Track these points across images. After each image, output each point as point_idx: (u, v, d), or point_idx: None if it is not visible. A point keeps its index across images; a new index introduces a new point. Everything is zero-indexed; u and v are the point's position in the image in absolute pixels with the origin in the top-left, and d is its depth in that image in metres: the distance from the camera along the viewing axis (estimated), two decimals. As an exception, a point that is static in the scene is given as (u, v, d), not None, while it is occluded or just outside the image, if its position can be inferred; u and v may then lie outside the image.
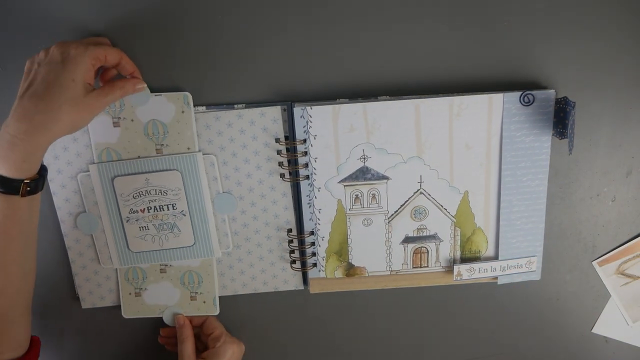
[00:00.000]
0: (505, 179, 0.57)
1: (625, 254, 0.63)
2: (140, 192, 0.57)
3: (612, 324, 0.66)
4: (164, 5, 0.53)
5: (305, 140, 0.56)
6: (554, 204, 0.60)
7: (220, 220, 0.59)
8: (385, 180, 0.57)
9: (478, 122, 0.55)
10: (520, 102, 0.55)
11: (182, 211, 0.57)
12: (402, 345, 0.66)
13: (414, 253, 0.60)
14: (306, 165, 0.57)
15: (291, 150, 0.56)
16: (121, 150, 0.56)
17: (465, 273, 0.60)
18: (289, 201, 0.59)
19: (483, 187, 0.58)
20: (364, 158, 0.57)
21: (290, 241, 0.60)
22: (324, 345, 0.65)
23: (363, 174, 0.57)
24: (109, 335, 0.64)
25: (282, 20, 0.54)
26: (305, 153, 0.56)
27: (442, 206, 0.58)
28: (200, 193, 0.57)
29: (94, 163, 0.56)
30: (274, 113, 0.55)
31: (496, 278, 0.62)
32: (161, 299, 0.62)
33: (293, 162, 0.57)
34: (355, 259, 0.60)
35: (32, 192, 0.48)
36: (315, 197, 0.58)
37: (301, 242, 0.60)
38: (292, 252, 0.60)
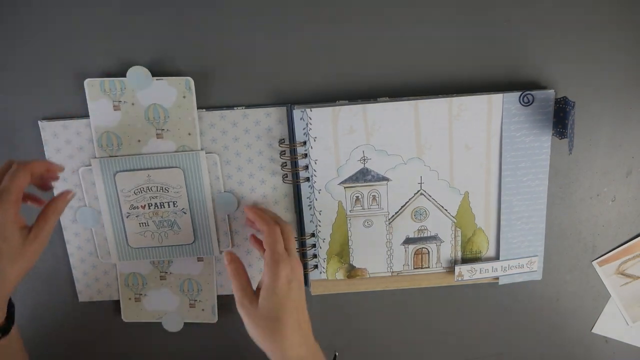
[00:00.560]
0: (505, 179, 0.57)
1: (625, 254, 0.62)
2: (142, 189, 0.57)
3: (612, 324, 0.65)
4: (163, 7, 0.54)
5: (305, 142, 0.56)
6: (554, 204, 0.60)
7: (221, 219, 0.59)
8: (386, 182, 0.58)
9: (478, 123, 0.55)
10: (520, 102, 0.55)
11: (183, 209, 0.58)
12: (403, 346, 0.65)
13: (414, 254, 0.60)
14: (306, 167, 0.57)
15: (291, 152, 0.57)
16: (121, 134, 0.56)
17: (467, 273, 0.60)
18: (290, 202, 0.59)
19: (483, 187, 0.58)
20: (364, 159, 0.57)
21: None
22: (325, 346, 0.64)
23: (363, 176, 0.57)
24: (106, 330, 0.64)
25: (281, 23, 0.55)
26: (306, 155, 0.57)
27: (442, 207, 0.58)
28: (202, 191, 0.57)
29: (95, 157, 0.56)
30: (280, 114, 0.56)
31: (497, 278, 0.61)
32: (161, 305, 0.62)
33: (293, 164, 0.57)
34: (356, 261, 0.60)
35: (4, 333, 0.49)
36: (316, 199, 0.58)
37: (302, 244, 0.60)
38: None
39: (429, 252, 0.60)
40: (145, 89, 0.55)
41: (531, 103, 0.55)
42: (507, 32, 0.55)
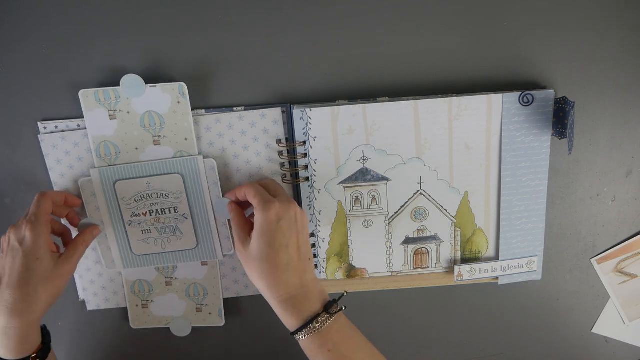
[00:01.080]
0: (505, 179, 0.57)
1: (624, 252, 0.63)
2: (142, 196, 0.57)
3: (612, 324, 0.66)
4: (153, 13, 0.54)
5: (305, 142, 0.56)
6: (554, 204, 0.60)
7: (222, 223, 0.59)
8: (385, 182, 0.58)
9: (477, 123, 0.55)
10: (520, 102, 0.55)
11: (184, 214, 0.58)
12: (403, 346, 0.66)
13: (414, 254, 0.61)
14: (306, 167, 0.57)
15: (291, 152, 0.57)
16: (119, 143, 0.56)
17: (466, 274, 0.61)
18: (290, 203, 0.59)
19: (483, 187, 0.58)
20: (363, 159, 0.57)
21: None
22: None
23: (363, 176, 0.57)
24: (115, 337, 0.65)
25: (280, 23, 0.54)
26: (305, 155, 0.57)
27: (442, 207, 0.59)
28: (202, 196, 0.57)
29: (95, 167, 0.56)
30: (275, 114, 0.55)
31: (497, 278, 0.62)
32: (168, 311, 0.63)
33: (293, 164, 0.57)
34: (356, 261, 0.61)
35: (44, 357, 0.52)
36: (316, 199, 0.58)
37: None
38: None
39: (428, 252, 0.61)
40: (140, 97, 0.55)
41: (531, 103, 0.55)
42: (507, 32, 0.55)
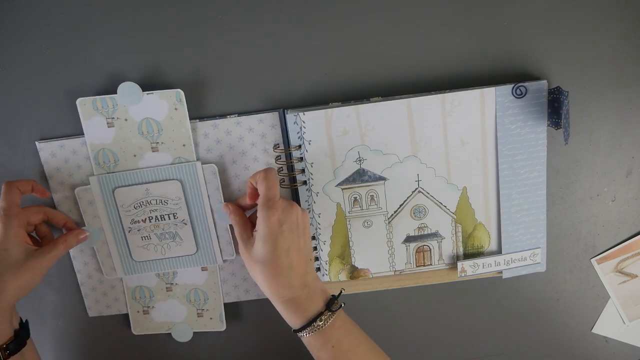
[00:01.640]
0: (503, 172, 0.57)
1: (624, 252, 0.62)
2: (141, 203, 0.58)
3: (612, 324, 0.65)
4: (150, 21, 0.55)
5: (300, 146, 0.57)
6: (554, 204, 0.60)
7: (224, 228, 0.59)
8: (383, 181, 0.58)
9: (472, 118, 0.55)
10: (513, 94, 0.55)
11: (183, 220, 0.58)
12: (404, 346, 0.65)
13: (416, 252, 0.60)
14: (302, 170, 0.58)
15: (287, 157, 0.57)
16: (117, 150, 0.57)
17: (469, 269, 0.60)
18: (288, 207, 0.59)
19: (481, 182, 0.57)
20: (359, 160, 0.57)
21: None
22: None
23: (360, 176, 0.57)
24: (117, 344, 0.65)
25: (270, 27, 0.55)
26: (301, 159, 0.57)
27: (441, 203, 0.58)
28: (201, 202, 0.58)
29: (94, 175, 0.57)
30: (272, 119, 0.56)
31: (501, 272, 0.61)
32: (169, 316, 0.63)
33: (290, 169, 0.58)
34: (358, 261, 0.60)
35: (15, 351, 0.51)
36: (314, 202, 0.58)
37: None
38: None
39: (430, 249, 0.60)
40: (137, 104, 0.55)
41: (524, 95, 0.54)
42: (505, 32, 0.55)
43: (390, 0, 0.54)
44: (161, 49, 0.55)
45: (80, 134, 0.57)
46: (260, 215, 0.50)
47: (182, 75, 0.56)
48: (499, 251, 0.60)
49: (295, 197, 0.59)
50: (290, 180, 0.58)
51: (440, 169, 0.57)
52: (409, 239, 0.60)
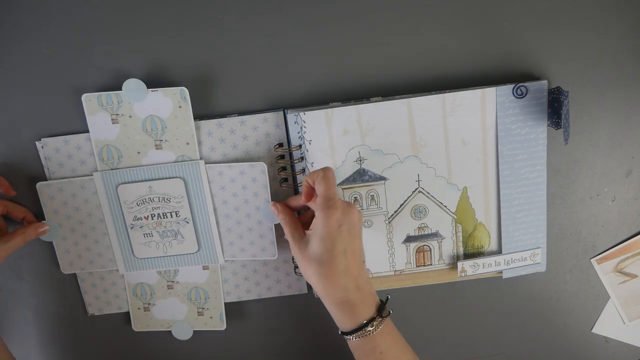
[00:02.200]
0: (503, 172, 0.57)
1: (624, 252, 0.62)
2: (144, 200, 0.58)
3: (612, 324, 0.64)
4: (155, 19, 0.55)
5: (300, 146, 0.57)
6: (554, 204, 0.60)
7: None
8: (383, 181, 0.58)
9: (472, 118, 0.55)
10: (514, 94, 0.55)
11: (186, 218, 0.59)
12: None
13: (416, 252, 0.60)
14: (303, 170, 0.58)
15: (287, 156, 0.57)
16: (121, 147, 0.57)
17: (470, 269, 0.60)
18: (290, 207, 0.60)
19: (482, 182, 0.57)
20: (360, 160, 0.57)
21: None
22: (332, 346, 0.65)
23: (360, 176, 0.58)
24: (117, 340, 0.65)
25: (270, 27, 0.55)
26: (302, 158, 0.57)
27: (441, 203, 0.58)
28: (204, 201, 0.58)
29: (97, 171, 0.58)
30: (277, 118, 0.56)
31: (501, 273, 0.61)
32: (169, 314, 0.63)
33: (291, 168, 0.58)
34: (358, 261, 0.61)
35: None
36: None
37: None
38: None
39: (430, 249, 0.60)
40: (141, 101, 0.56)
41: (525, 95, 0.55)
42: (505, 32, 0.55)
43: (390, 0, 0.54)
44: (161, 49, 0.56)
45: (83, 132, 0.57)
46: (319, 215, 0.50)
47: (185, 74, 0.56)
48: (499, 251, 0.60)
49: (296, 197, 0.59)
50: (292, 180, 0.58)
51: (440, 169, 0.57)
52: (409, 239, 0.60)
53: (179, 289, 0.62)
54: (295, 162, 0.57)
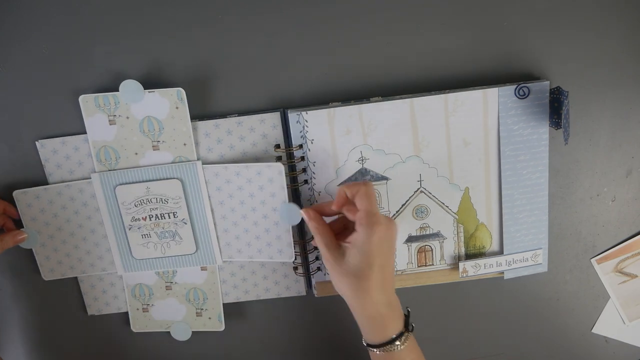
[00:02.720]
0: (505, 173, 0.57)
1: (624, 252, 0.62)
2: (142, 201, 0.57)
3: (612, 324, 0.65)
4: (152, 19, 0.55)
5: (301, 146, 0.56)
6: (554, 204, 0.60)
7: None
8: (385, 181, 0.57)
9: (474, 118, 0.55)
10: (516, 95, 0.55)
11: (183, 219, 0.58)
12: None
13: (418, 252, 0.60)
14: (304, 170, 0.57)
15: (288, 156, 0.57)
16: (118, 148, 0.56)
17: (471, 269, 0.60)
18: (290, 207, 0.59)
19: (483, 182, 0.57)
20: (362, 160, 0.57)
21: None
22: (333, 346, 0.65)
23: (362, 176, 0.57)
24: (116, 341, 0.65)
25: (270, 27, 0.55)
26: (302, 158, 0.57)
27: (443, 204, 0.58)
28: (201, 201, 0.57)
29: (95, 172, 0.57)
30: (274, 119, 0.56)
31: (502, 273, 0.61)
32: (168, 315, 0.62)
33: (291, 168, 0.57)
34: (359, 262, 0.60)
35: None
36: (316, 201, 0.58)
37: (304, 247, 0.60)
38: (295, 257, 0.60)
39: (432, 249, 0.60)
40: (138, 102, 0.55)
41: (527, 95, 0.55)
42: (505, 32, 0.55)
43: (390, 0, 0.54)
44: (161, 49, 0.55)
45: (80, 133, 0.56)
46: (362, 229, 0.49)
47: (185, 74, 0.56)
48: (500, 252, 0.60)
49: (296, 197, 0.58)
50: (291, 180, 0.57)
51: (442, 169, 0.57)
52: (410, 239, 0.60)
53: (177, 289, 0.62)
54: (295, 162, 0.57)
